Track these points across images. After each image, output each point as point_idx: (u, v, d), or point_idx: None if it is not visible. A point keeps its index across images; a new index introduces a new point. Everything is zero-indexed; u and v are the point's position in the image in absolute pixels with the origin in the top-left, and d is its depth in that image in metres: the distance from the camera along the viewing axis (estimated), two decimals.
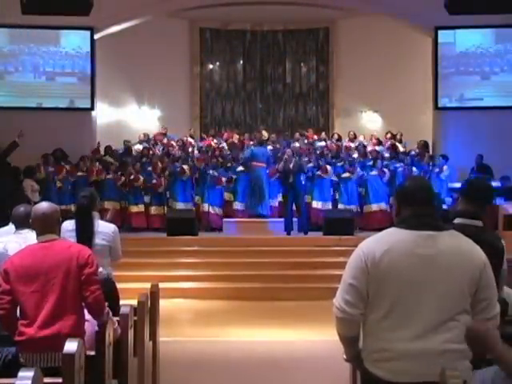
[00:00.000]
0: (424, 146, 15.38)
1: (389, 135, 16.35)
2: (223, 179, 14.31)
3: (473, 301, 2.94)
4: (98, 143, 15.54)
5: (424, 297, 2.90)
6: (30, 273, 3.87)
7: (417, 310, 2.90)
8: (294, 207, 13.35)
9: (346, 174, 14.32)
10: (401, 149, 15.63)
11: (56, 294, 3.88)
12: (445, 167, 14.12)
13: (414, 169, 14.35)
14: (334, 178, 14.33)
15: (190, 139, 16.44)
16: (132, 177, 14.23)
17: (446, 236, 2.99)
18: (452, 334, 2.87)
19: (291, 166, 13.32)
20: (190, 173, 14.32)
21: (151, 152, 15.47)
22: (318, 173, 14.10)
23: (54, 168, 14.22)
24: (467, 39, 15.74)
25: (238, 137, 16.43)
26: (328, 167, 14.26)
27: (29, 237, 4.65)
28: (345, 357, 3.29)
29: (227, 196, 14.57)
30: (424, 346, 2.87)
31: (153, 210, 14.26)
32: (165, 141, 16.31)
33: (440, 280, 2.91)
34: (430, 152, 15.45)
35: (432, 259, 2.93)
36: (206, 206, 14.18)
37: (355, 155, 15.11)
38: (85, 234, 5.38)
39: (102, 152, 15.35)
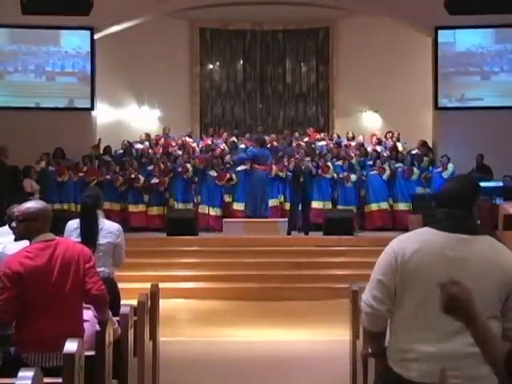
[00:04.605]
0: (424, 145, 15.39)
1: (389, 135, 16.36)
2: (227, 175, 14.28)
3: (503, 308, 2.90)
4: (99, 140, 15.52)
5: None
6: (42, 274, 3.86)
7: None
8: (300, 207, 13.33)
9: (345, 174, 14.34)
10: (400, 148, 15.64)
11: (66, 294, 3.90)
12: (449, 165, 14.10)
13: (415, 170, 14.32)
14: (334, 175, 14.35)
15: (188, 139, 16.43)
16: (133, 176, 14.23)
17: (480, 240, 2.96)
18: None
19: (303, 166, 13.32)
20: (192, 172, 14.33)
21: (152, 152, 15.46)
22: (319, 171, 14.07)
23: (55, 168, 14.23)
24: (467, 39, 15.74)
25: (235, 138, 16.39)
26: (329, 164, 14.28)
27: None
28: (369, 351, 3.30)
29: (227, 197, 14.57)
30: (450, 349, 2.85)
31: (152, 210, 14.27)
32: (162, 141, 16.27)
33: (469, 283, 2.89)
34: (431, 151, 15.48)
35: (462, 262, 2.90)
36: (205, 208, 14.18)
37: (353, 155, 15.18)
38: (89, 233, 5.39)
39: (102, 151, 15.37)
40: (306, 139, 16.18)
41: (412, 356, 2.91)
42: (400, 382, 2.94)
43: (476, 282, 2.86)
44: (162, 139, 16.34)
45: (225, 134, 16.83)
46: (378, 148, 15.54)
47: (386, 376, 3.10)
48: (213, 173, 14.36)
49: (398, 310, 2.98)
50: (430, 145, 15.77)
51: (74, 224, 5.55)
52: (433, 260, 2.92)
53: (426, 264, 2.92)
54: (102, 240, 5.49)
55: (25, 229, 4.03)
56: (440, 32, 15.58)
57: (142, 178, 14.22)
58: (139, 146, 15.93)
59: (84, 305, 4.10)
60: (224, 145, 15.94)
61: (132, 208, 14.21)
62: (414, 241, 2.98)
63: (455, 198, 3.00)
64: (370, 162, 14.68)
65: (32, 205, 4.09)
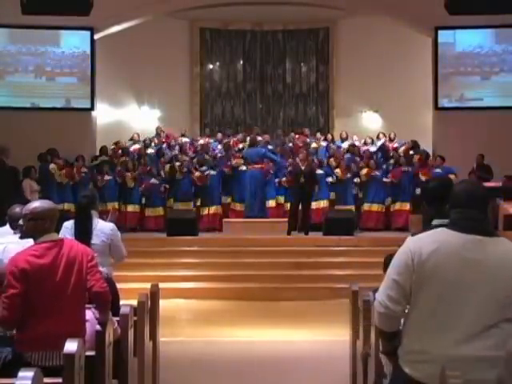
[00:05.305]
0: (415, 145, 15.38)
1: (381, 136, 16.34)
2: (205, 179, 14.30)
3: None
4: (102, 146, 15.45)
5: (467, 301, 2.87)
6: (48, 273, 3.89)
7: (459, 313, 2.87)
8: (301, 207, 13.29)
9: (337, 170, 14.30)
10: (396, 145, 15.64)
11: (70, 293, 3.94)
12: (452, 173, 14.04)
13: (422, 176, 14.17)
14: (332, 179, 14.37)
15: (185, 139, 16.38)
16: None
17: (495, 242, 2.97)
18: (492, 340, 2.84)
19: (303, 167, 13.27)
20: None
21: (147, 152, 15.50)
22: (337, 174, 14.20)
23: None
24: (467, 39, 15.73)
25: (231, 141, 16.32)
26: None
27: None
28: (381, 349, 3.29)
29: (225, 199, 14.54)
30: (463, 352, 2.84)
31: (149, 211, 14.23)
32: (155, 141, 16.25)
33: (485, 285, 2.88)
34: (430, 152, 15.48)
35: (479, 264, 2.90)
36: (204, 209, 14.15)
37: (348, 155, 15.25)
38: (83, 233, 5.42)
39: (98, 152, 15.38)
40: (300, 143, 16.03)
41: (424, 357, 2.90)
42: (409, 382, 2.92)
43: (491, 283, 2.87)
44: (155, 139, 16.33)
45: (219, 134, 16.84)
46: (372, 149, 15.55)
47: (394, 375, 3.09)
48: (212, 171, 14.32)
49: (413, 310, 2.97)
50: (430, 145, 15.78)
51: (68, 225, 5.63)
52: (451, 261, 2.91)
53: (443, 265, 2.91)
54: (96, 239, 5.53)
55: (33, 227, 4.05)
56: (440, 32, 15.57)
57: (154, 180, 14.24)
58: (136, 146, 15.91)
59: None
60: (220, 146, 15.93)
61: (129, 208, 14.16)
62: (431, 241, 2.98)
63: (473, 200, 3.01)
64: (364, 170, 14.52)
65: (41, 204, 4.13)
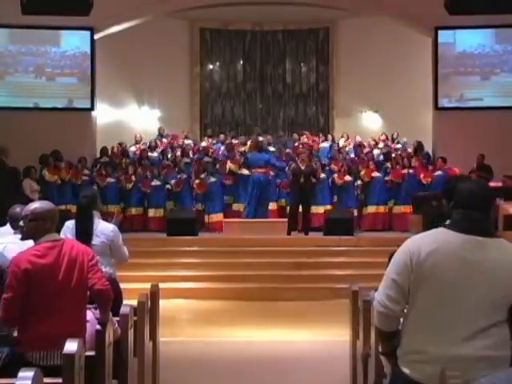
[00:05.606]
0: (419, 146, 15.36)
1: (383, 137, 16.32)
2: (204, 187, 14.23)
3: None
4: (103, 147, 15.44)
5: (466, 301, 2.87)
6: (50, 272, 3.91)
7: (458, 313, 2.87)
8: (301, 208, 13.25)
9: (335, 175, 14.26)
10: (398, 146, 15.66)
11: (72, 293, 3.96)
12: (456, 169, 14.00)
13: (422, 177, 14.17)
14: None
15: (186, 141, 16.36)
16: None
17: (495, 243, 2.96)
18: (491, 340, 2.84)
19: (303, 167, 13.22)
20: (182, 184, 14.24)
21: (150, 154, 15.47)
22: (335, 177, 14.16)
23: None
24: (467, 39, 15.73)
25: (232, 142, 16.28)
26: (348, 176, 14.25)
27: None
28: (380, 350, 3.29)
29: (228, 200, 14.52)
30: (463, 352, 2.84)
31: (151, 212, 14.21)
32: (158, 143, 16.24)
33: (484, 286, 2.87)
34: (430, 152, 15.49)
35: (478, 264, 2.90)
36: (206, 217, 14.11)
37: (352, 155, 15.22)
38: (83, 233, 5.42)
39: (99, 153, 15.37)
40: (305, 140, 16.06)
41: (423, 358, 2.89)
42: (408, 383, 2.92)
43: (490, 283, 2.87)
44: (157, 141, 16.33)
45: (222, 135, 16.84)
46: (375, 151, 15.54)
47: (394, 376, 3.09)
48: (211, 178, 14.27)
49: (411, 310, 2.97)
50: (430, 145, 15.78)
51: (70, 224, 5.65)
52: (449, 261, 2.90)
53: (442, 265, 2.90)
54: (95, 240, 5.53)
55: (34, 228, 4.06)
56: (440, 32, 15.57)
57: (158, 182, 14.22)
58: (136, 147, 15.90)
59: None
60: (223, 147, 15.92)
61: (131, 211, 14.13)
62: (430, 241, 2.97)
63: (475, 201, 2.99)
64: (363, 171, 14.53)
65: (41, 205, 4.15)
